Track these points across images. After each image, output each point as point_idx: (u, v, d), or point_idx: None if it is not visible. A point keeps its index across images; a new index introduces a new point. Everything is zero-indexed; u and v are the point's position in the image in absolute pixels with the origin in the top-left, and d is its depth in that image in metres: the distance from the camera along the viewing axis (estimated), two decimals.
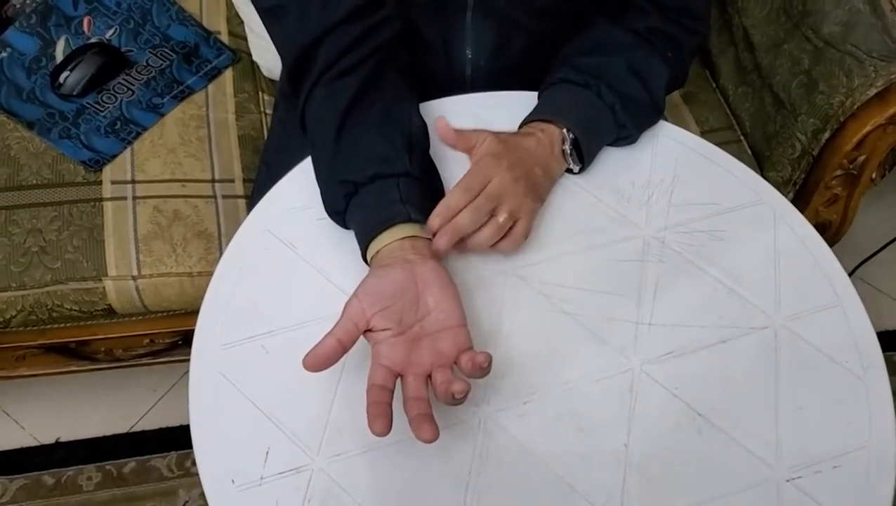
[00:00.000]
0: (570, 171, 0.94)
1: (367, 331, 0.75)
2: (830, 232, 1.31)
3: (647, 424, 0.79)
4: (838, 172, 1.19)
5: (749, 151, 1.34)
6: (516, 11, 0.99)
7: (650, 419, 0.80)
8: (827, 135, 1.15)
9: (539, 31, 1.01)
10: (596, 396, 0.81)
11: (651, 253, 0.90)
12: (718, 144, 1.01)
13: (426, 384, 0.74)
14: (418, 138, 0.89)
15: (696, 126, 1.35)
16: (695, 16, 1.00)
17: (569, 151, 0.91)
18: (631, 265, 0.89)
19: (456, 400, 0.71)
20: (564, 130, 0.91)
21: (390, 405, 0.71)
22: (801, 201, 1.26)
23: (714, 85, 1.42)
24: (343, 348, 0.73)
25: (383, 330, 0.75)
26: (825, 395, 0.82)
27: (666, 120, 1.02)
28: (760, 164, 1.31)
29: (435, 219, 0.81)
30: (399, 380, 0.74)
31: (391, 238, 0.81)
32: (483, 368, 0.73)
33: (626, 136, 0.96)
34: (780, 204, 0.95)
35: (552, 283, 0.87)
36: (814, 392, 0.82)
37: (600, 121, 0.93)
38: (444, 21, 1.00)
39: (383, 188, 0.84)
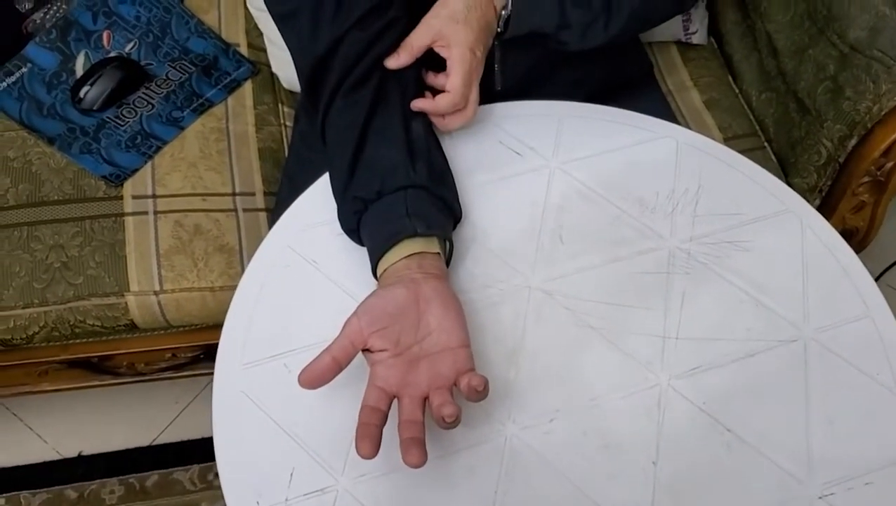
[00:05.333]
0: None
1: (365, 350, 0.75)
2: (857, 239, 1.29)
3: (676, 440, 0.78)
4: (865, 179, 1.17)
5: (773, 158, 1.32)
6: None
7: (678, 436, 0.78)
8: (854, 141, 1.13)
9: None
10: (623, 412, 0.79)
11: (677, 265, 0.89)
12: (742, 151, 1.00)
13: (422, 407, 0.73)
14: (420, 145, 0.88)
15: (719, 132, 1.33)
16: None
17: (505, 17, 0.92)
18: (656, 277, 0.88)
19: (447, 424, 0.70)
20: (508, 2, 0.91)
21: (380, 428, 0.70)
22: (827, 208, 1.24)
23: (737, 91, 1.40)
24: (338, 367, 0.73)
25: (381, 351, 0.74)
26: (857, 408, 0.81)
27: (688, 127, 1.01)
28: (785, 170, 1.29)
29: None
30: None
31: (398, 256, 0.80)
32: (479, 392, 0.72)
33: (566, 32, 0.95)
34: (807, 212, 0.94)
35: (577, 297, 0.86)
36: (845, 406, 0.81)
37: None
38: None
39: (390, 203, 0.83)
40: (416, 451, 0.68)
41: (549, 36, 0.96)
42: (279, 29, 0.95)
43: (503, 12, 0.91)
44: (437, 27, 0.88)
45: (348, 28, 0.88)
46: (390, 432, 0.71)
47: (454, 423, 0.70)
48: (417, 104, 0.89)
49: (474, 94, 0.91)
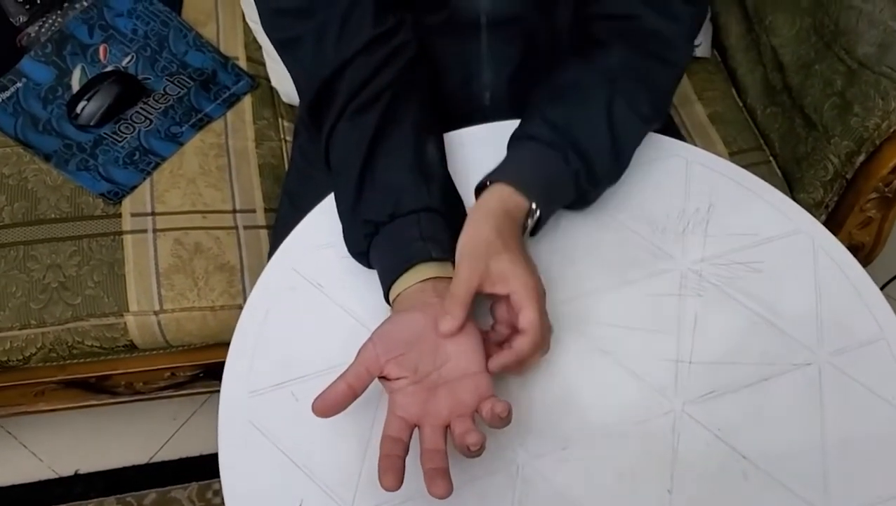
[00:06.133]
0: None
1: (382, 378, 0.73)
2: (863, 254, 1.28)
3: (691, 468, 0.77)
4: (873, 195, 1.16)
5: (779, 173, 1.31)
6: (534, 29, 0.96)
7: (694, 463, 0.77)
8: (862, 158, 1.13)
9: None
10: (637, 439, 0.78)
11: (689, 287, 0.87)
12: (747, 166, 0.99)
13: (444, 435, 0.71)
14: (435, 168, 0.86)
15: (724, 147, 1.33)
16: (671, 44, 0.91)
17: (530, 228, 0.85)
18: (668, 300, 0.87)
19: (472, 452, 0.69)
20: (533, 205, 0.83)
21: (402, 458, 0.68)
22: (833, 224, 1.23)
23: (741, 104, 1.39)
24: (354, 394, 0.71)
25: (399, 378, 0.72)
26: (872, 434, 0.80)
27: (694, 144, 0.99)
28: (791, 185, 1.28)
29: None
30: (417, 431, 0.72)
31: (412, 280, 0.78)
32: (502, 419, 0.70)
33: (583, 201, 0.90)
34: (819, 233, 0.93)
35: (588, 320, 0.84)
36: (861, 431, 0.80)
37: (562, 189, 0.87)
38: (460, 44, 0.98)
39: (403, 226, 0.81)
40: (442, 481, 0.67)
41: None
42: (280, 55, 0.93)
43: (529, 221, 0.84)
44: (480, 267, 0.76)
45: (354, 53, 0.86)
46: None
47: (479, 451, 0.69)
48: (497, 362, 0.74)
49: (548, 323, 0.79)
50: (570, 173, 0.85)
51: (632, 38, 0.90)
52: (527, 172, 0.84)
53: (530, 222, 0.84)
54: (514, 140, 0.88)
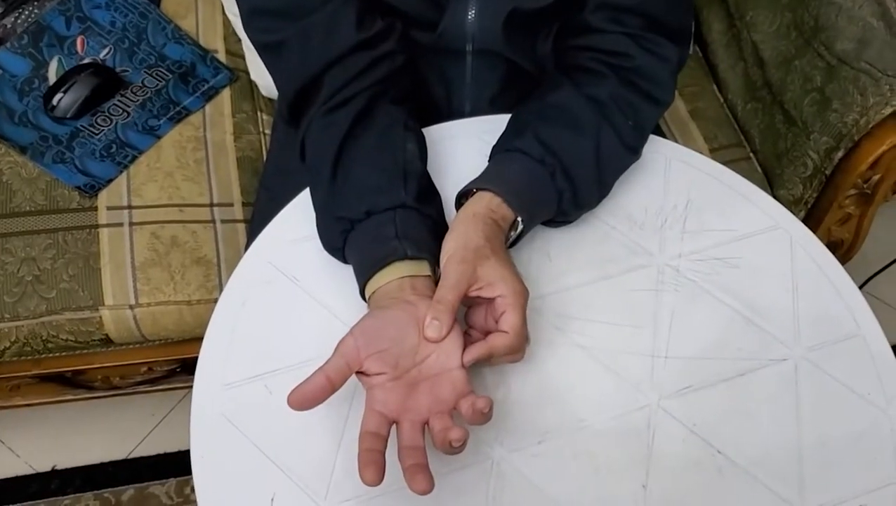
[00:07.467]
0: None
1: (359, 373, 0.72)
2: (842, 250, 1.29)
3: (666, 463, 0.76)
4: (852, 192, 1.17)
5: (759, 169, 1.31)
6: (518, 57, 0.97)
7: (669, 458, 0.77)
8: (841, 154, 1.13)
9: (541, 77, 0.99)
10: (612, 433, 0.78)
11: (666, 282, 0.87)
12: (727, 162, 0.99)
13: (423, 431, 0.70)
14: (413, 165, 0.85)
15: (704, 142, 1.33)
16: (658, 83, 0.92)
17: (514, 238, 0.86)
18: (645, 295, 0.86)
19: (454, 449, 0.68)
20: (518, 219, 0.84)
21: (383, 453, 0.68)
22: (813, 220, 1.23)
23: (722, 100, 1.39)
24: (332, 387, 0.70)
25: (378, 374, 0.71)
26: (848, 430, 0.80)
27: (675, 139, 0.99)
28: (771, 182, 1.29)
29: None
30: (395, 426, 0.71)
31: (388, 278, 0.77)
32: (484, 414, 0.70)
33: (561, 221, 0.90)
34: (797, 229, 0.93)
35: (566, 315, 0.84)
36: (836, 427, 0.80)
37: (546, 207, 0.87)
38: (445, 64, 0.98)
39: (378, 223, 0.80)
40: (422, 477, 0.66)
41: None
42: (262, 58, 0.92)
43: (512, 233, 0.84)
44: (469, 273, 0.75)
45: (337, 57, 0.86)
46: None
47: (462, 447, 0.68)
48: (471, 355, 0.74)
49: (527, 333, 0.78)
50: (556, 193, 0.85)
51: (621, 73, 0.90)
52: (516, 185, 0.84)
53: (512, 235, 0.84)
54: (503, 151, 0.88)
